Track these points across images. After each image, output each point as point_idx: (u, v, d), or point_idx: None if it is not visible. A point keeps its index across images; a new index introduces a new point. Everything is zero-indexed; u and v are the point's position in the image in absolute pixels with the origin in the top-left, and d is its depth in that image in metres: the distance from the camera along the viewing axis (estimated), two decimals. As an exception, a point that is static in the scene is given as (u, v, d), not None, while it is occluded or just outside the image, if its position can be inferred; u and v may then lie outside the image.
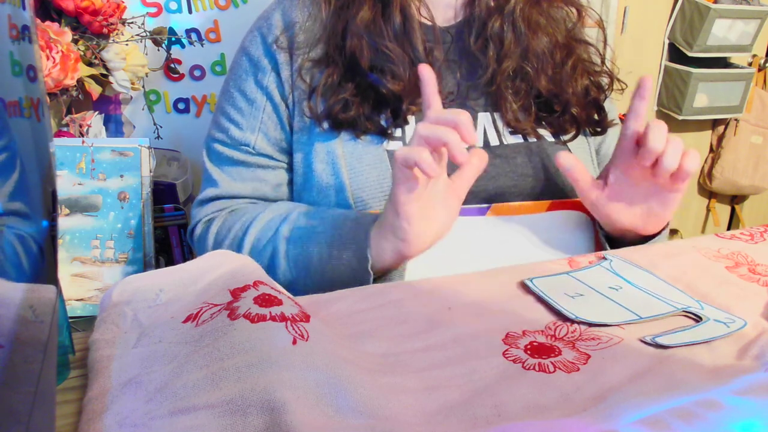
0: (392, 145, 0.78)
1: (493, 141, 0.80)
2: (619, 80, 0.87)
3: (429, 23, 0.81)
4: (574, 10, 0.86)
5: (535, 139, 0.82)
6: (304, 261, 0.72)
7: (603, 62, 0.86)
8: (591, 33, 0.90)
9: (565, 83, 0.81)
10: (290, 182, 0.84)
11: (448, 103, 0.79)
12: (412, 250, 0.67)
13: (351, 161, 0.77)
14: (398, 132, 0.78)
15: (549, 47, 0.81)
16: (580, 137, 0.84)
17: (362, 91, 0.77)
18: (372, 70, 0.77)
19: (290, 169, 0.84)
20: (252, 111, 0.82)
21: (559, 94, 0.81)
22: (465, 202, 0.77)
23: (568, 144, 0.83)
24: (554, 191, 0.80)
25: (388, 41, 0.77)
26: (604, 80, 0.86)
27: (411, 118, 0.79)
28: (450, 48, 0.83)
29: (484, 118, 0.81)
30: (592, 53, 0.86)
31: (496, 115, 0.82)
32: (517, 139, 0.81)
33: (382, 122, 0.78)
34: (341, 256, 0.70)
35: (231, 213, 0.82)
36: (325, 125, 0.78)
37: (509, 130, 0.81)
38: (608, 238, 0.80)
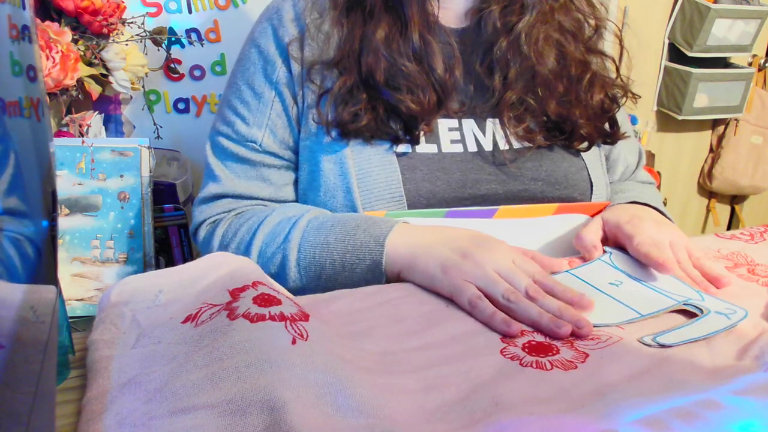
0: (401, 147, 0.76)
1: (502, 145, 0.80)
2: (633, 93, 0.85)
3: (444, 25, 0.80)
4: (592, 21, 0.84)
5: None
6: (316, 269, 0.71)
7: (619, 74, 0.84)
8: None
9: (576, 103, 0.80)
10: (295, 182, 0.83)
11: (458, 115, 0.79)
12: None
13: (359, 161, 0.76)
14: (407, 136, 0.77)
15: (558, 69, 0.79)
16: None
17: (374, 104, 0.76)
18: (387, 86, 0.75)
19: (296, 168, 0.82)
20: (260, 106, 0.80)
21: (568, 117, 0.80)
22: (474, 205, 0.77)
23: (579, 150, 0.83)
24: (563, 195, 0.80)
25: (407, 60, 0.76)
26: (619, 92, 0.84)
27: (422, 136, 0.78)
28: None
29: (492, 122, 0.81)
30: (608, 64, 0.85)
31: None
32: (527, 143, 0.81)
33: (393, 126, 0.76)
34: (354, 269, 0.69)
35: (237, 216, 0.80)
36: (333, 134, 0.76)
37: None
38: None
